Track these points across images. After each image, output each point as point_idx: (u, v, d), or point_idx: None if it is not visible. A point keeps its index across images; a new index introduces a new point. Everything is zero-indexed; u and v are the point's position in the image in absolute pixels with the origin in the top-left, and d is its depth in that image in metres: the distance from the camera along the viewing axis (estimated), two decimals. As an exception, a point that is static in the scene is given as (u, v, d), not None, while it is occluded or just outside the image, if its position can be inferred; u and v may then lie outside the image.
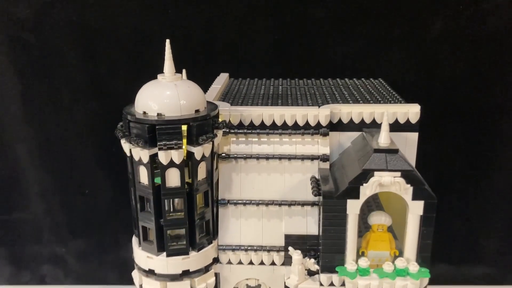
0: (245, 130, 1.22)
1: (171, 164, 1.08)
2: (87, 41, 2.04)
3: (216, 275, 1.25)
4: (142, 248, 1.19)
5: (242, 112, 1.21)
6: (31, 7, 1.98)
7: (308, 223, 1.22)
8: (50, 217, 2.27)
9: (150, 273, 1.18)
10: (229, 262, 1.25)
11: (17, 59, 2.04)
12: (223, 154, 1.22)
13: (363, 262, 1.12)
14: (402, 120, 1.22)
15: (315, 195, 1.13)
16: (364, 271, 1.11)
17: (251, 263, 1.24)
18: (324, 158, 1.20)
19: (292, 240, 1.21)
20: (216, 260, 1.24)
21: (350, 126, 1.23)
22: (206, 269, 1.21)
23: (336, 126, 1.23)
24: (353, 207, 1.09)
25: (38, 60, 2.05)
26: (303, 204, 1.21)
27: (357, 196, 1.08)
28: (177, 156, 1.08)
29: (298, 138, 1.22)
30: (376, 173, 1.06)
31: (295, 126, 1.21)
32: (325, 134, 1.20)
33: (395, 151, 1.09)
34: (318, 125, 1.21)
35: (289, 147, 1.22)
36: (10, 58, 2.04)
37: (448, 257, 2.27)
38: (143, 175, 1.12)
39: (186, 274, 1.18)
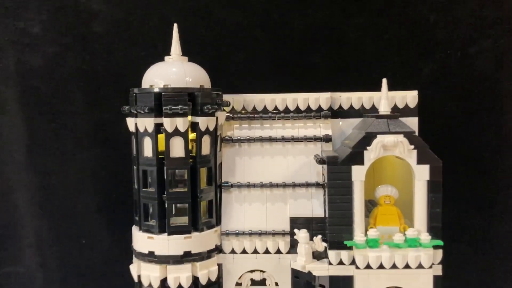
0: (248, 115, 1.24)
1: (176, 132, 1.09)
2: (94, 89, 2.12)
3: (219, 266, 1.19)
4: (142, 229, 1.15)
5: (245, 97, 1.25)
6: (44, 56, 2.09)
7: (314, 205, 1.19)
8: (42, 270, 2.17)
9: (150, 256, 1.13)
10: (233, 251, 1.19)
11: (26, 105, 2.10)
12: (226, 137, 1.23)
13: (373, 233, 1.08)
14: (401, 105, 1.25)
15: (319, 163, 1.13)
16: (373, 242, 1.07)
17: (255, 251, 1.19)
18: (327, 139, 1.21)
19: (298, 224, 1.17)
20: (219, 249, 1.19)
21: (350, 112, 1.26)
22: (209, 255, 1.16)
23: (337, 113, 1.26)
24: (358, 173, 1.08)
25: (46, 107, 2.11)
26: (307, 185, 1.19)
27: (361, 162, 1.08)
28: (182, 123, 1.09)
29: (300, 123, 1.24)
30: (379, 135, 1.07)
31: (297, 110, 1.24)
32: (326, 117, 1.23)
33: (396, 116, 1.11)
34: (320, 108, 1.24)
35: (292, 131, 1.24)
36: (20, 105, 2.11)
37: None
38: (147, 147, 1.12)
39: (187, 256, 1.13)
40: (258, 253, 1.19)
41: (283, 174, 1.22)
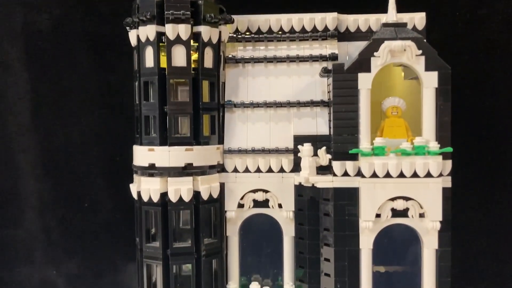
0: (253, 35, 1.22)
1: (178, 40, 1.08)
2: (100, 51, 2.11)
3: (221, 186, 1.16)
4: (143, 143, 1.12)
5: (249, 18, 1.22)
6: (51, 18, 2.09)
7: (318, 123, 1.16)
8: (43, 234, 2.14)
9: (150, 168, 1.10)
10: (235, 170, 1.16)
11: (31, 66, 2.10)
12: (229, 56, 1.21)
13: (379, 140, 1.04)
14: (409, 27, 1.22)
15: (324, 72, 1.10)
16: (380, 149, 1.04)
17: (258, 170, 1.16)
18: (333, 57, 1.18)
19: (302, 142, 1.13)
20: (221, 167, 1.16)
21: (357, 35, 1.23)
22: (211, 170, 1.13)
23: (344, 36, 1.23)
24: (365, 81, 1.05)
25: (51, 68, 2.10)
26: (312, 103, 1.17)
27: (368, 69, 1.05)
28: (184, 30, 1.07)
29: (306, 44, 1.22)
30: (386, 41, 1.04)
31: (303, 31, 1.22)
32: (333, 36, 1.20)
33: (404, 24, 1.08)
34: (326, 29, 1.21)
35: (297, 51, 1.21)
36: (25, 66, 2.10)
37: (472, 282, 2.07)
38: (149, 57, 1.10)
39: (188, 169, 1.10)
40: (261, 171, 1.16)
41: (287, 94, 1.19)
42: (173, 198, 1.09)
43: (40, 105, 2.13)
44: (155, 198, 1.09)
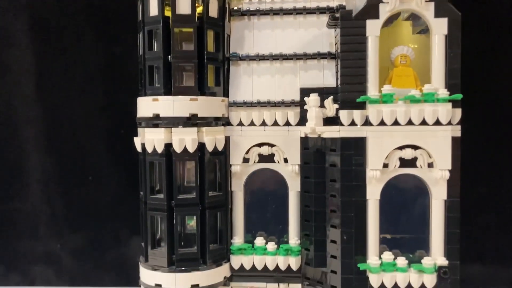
0: (259, -12, 1.20)
1: (183, -15, 1.06)
2: (104, 23, 2.10)
3: (227, 139, 1.14)
4: (147, 94, 1.10)
5: (255, -31, 1.21)
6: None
7: (325, 76, 1.14)
8: (47, 207, 2.13)
9: (154, 119, 1.08)
10: (240, 124, 1.15)
11: (36, 39, 2.09)
12: (235, 8, 1.19)
13: (388, 87, 1.02)
14: (417, -21, 1.19)
15: (332, 19, 1.08)
16: (388, 96, 1.02)
17: (263, 123, 1.14)
18: (340, 9, 1.16)
19: (308, 94, 1.11)
20: (226, 121, 1.14)
21: (366, -12, 1.20)
22: (216, 122, 1.11)
23: (352, -11, 1.21)
24: (373, 28, 1.03)
25: (56, 40, 2.09)
26: (319, 55, 1.15)
27: (376, 15, 1.03)
28: (188, -25, 1.05)
29: (313, -2, 1.20)
30: (395, -13, 1.02)
31: (310, -16, 1.20)
32: (340, -12, 1.18)
33: (413, -29, 1.06)
34: (333, -20, 1.19)
35: (304, 3, 1.19)
36: (30, 38, 2.09)
37: (480, 256, 2.05)
38: (153, 5, 1.08)
39: (193, 119, 1.08)
40: (266, 125, 1.14)
41: (294, 46, 1.17)
42: (177, 148, 1.07)
43: (44, 77, 2.11)
44: (160, 149, 1.08)
